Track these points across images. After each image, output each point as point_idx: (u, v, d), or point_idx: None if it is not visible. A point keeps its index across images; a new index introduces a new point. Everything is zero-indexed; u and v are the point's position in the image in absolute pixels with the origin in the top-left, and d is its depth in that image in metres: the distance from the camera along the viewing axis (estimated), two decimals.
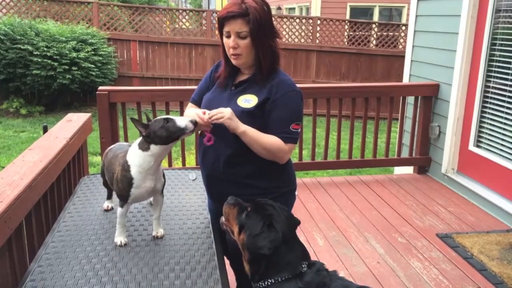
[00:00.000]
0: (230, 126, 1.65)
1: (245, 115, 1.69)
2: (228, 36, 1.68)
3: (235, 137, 1.70)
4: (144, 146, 1.62)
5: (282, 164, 1.79)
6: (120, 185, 1.68)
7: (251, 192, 1.78)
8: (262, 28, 1.64)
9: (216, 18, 1.59)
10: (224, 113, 1.64)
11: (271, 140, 1.69)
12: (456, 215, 3.54)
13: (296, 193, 1.93)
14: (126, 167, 1.65)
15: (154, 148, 1.61)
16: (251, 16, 1.61)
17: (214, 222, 1.94)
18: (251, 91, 1.73)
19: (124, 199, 1.69)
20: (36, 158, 2.10)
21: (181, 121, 1.59)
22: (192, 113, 1.76)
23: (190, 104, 1.98)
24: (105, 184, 2.00)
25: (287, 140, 1.70)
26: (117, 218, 1.72)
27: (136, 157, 1.64)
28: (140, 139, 1.66)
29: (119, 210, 1.71)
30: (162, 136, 1.58)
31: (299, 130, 1.74)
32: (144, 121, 1.66)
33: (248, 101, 1.70)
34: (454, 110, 4.02)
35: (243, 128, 1.66)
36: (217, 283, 1.51)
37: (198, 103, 1.92)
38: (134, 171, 1.64)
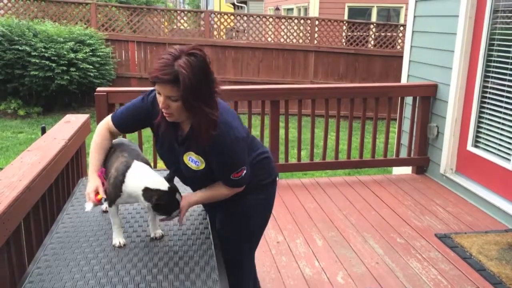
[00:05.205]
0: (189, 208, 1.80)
1: (200, 174, 1.76)
2: (160, 94, 1.60)
3: (201, 181, 1.83)
4: (147, 197, 1.61)
5: (261, 161, 1.90)
6: (109, 188, 1.70)
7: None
8: (193, 93, 1.54)
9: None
10: (183, 209, 1.74)
11: (222, 192, 1.81)
12: (454, 215, 3.54)
13: (277, 178, 2.04)
14: (120, 179, 1.64)
15: None
16: (181, 83, 1.51)
17: (213, 223, 1.95)
18: (194, 149, 1.73)
19: (111, 200, 1.71)
20: (35, 160, 2.10)
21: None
22: (91, 186, 1.74)
23: (108, 123, 1.86)
24: None
25: (231, 185, 1.78)
26: (111, 219, 1.73)
27: (135, 184, 1.63)
28: (152, 179, 1.64)
29: (109, 210, 1.73)
30: (154, 196, 1.60)
31: (244, 174, 1.75)
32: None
33: (195, 162, 1.73)
34: (452, 111, 4.02)
35: (195, 199, 1.80)
36: (216, 283, 1.51)
37: (119, 127, 1.85)
38: (124, 187, 1.64)
